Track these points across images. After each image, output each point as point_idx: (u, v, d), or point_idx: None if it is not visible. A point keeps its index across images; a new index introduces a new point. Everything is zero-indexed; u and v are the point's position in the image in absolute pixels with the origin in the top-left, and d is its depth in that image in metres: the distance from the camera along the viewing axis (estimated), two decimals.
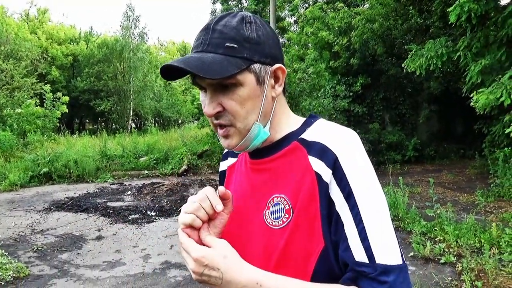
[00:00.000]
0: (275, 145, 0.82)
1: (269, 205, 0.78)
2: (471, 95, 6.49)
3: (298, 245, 0.73)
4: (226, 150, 1.03)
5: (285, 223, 0.75)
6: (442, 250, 4.36)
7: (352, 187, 0.70)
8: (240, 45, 0.73)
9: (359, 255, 0.69)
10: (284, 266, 0.74)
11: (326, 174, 0.72)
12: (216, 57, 0.71)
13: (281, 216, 0.76)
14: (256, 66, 0.74)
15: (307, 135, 0.79)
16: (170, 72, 0.74)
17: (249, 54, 0.73)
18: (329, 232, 0.72)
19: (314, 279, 0.72)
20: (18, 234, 5.49)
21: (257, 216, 0.80)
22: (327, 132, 0.78)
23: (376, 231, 0.69)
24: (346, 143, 0.74)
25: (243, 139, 0.78)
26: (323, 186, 0.72)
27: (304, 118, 0.86)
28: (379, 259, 0.68)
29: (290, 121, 0.84)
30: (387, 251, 0.69)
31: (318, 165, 0.74)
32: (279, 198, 0.77)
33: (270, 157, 0.81)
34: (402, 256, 0.70)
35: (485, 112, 6.52)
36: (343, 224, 0.71)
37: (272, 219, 0.77)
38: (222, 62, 0.71)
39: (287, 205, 0.76)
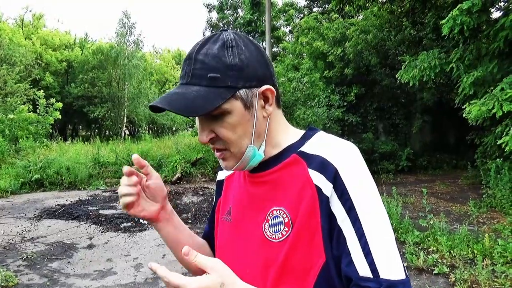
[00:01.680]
0: (274, 159, 0.82)
1: (269, 218, 0.78)
2: (464, 106, 6.57)
3: (298, 258, 0.73)
4: None
5: (285, 236, 0.74)
6: (435, 260, 4.36)
7: (353, 201, 0.70)
8: (223, 74, 0.72)
9: (363, 270, 0.68)
10: (283, 280, 0.74)
11: (327, 187, 0.72)
12: (200, 90, 0.71)
13: (280, 229, 0.75)
14: (242, 92, 0.74)
15: (307, 148, 0.79)
16: (159, 108, 0.73)
17: (233, 82, 0.73)
18: (330, 246, 0.72)
19: None
20: (8, 242, 5.40)
21: (256, 229, 0.80)
22: (327, 145, 0.77)
23: (379, 246, 0.69)
24: (347, 157, 0.74)
25: (239, 161, 0.78)
26: (324, 200, 0.72)
27: (304, 131, 0.86)
28: (383, 274, 0.67)
29: (288, 134, 0.84)
30: (391, 266, 0.68)
31: (319, 179, 0.73)
32: (278, 211, 0.77)
33: (269, 171, 0.81)
34: (405, 270, 0.70)
35: (477, 123, 6.59)
36: (345, 239, 0.70)
37: (271, 232, 0.76)
38: (207, 95, 0.71)
39: (287, 218, 0.75)
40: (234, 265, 0.81)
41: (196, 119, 0.79)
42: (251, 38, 0.81)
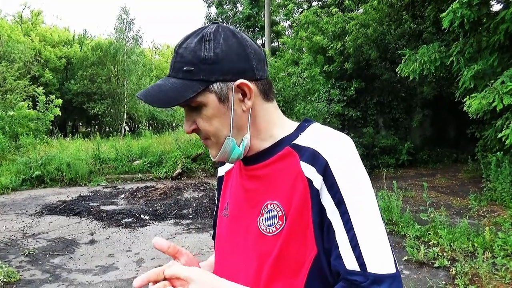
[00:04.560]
0: (267, 151, 0.81)
1: (263, 211, 0.78)
2: (464, 100, 6.55)
3: (291, 252, 0.72)
4: None
5: (278, 230, 0.74)
6: (436, 254, 4.38)
7: (342, 194, 0.70)
8: (197, 67, 0.73)
9: (351, 264, 0.68)
10: (277, 273, 0.74)
11: (317, 180, 0.71)
12: (175, 83, 0.74)
13: (274, 223, 0.75)
14: (216, 86, 0.74)
15: (300, 140, 0.78)
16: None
17: (205, 76, 0.73)
18: (322, 239, 0.71)
19: (308, 286, 0.72)
20: (9, 238, 5.42)
21: (251, 223, 0.80)
22: (320, 137, 0.76)
23: (368, 239, 0.68)
24: (338, 149, 0.73)
25: (220, 151, 0.80)
26: (314, 193, 0.71)
27: (297, 123, 0.85)
28: (371, 268, 0.67)
29: (283, 127, 0.83)
30: (379, 260, 0.67)
31: (310, 171, 0.72)
32: (272, 205, 0.76)
33: (263, 163, 0.81)
34: (395, 264, 0.69)
35: (478, 117, 6.58)
36: (334, 232, 0.70)
37: (265, 226, 0.76)
38: (180, 87, 0.73)
39: (280, 212, 0.75)
40: (231, 259, 0.83)
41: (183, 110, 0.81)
42: (238, 30, 0.80)
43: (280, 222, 0.74)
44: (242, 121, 0.78)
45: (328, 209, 0.70)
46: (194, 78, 0.73)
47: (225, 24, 0.80)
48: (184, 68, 0.74)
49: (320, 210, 0.71)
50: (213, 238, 1.07)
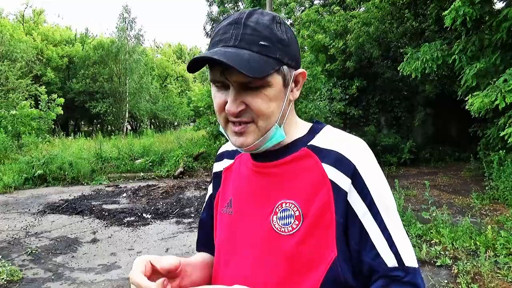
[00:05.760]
0: (282, 150, 0.81)
1: (277, 210, 0.77)
2: (466, 98, 6.54)
3: (308, 252, 0.72)
4: (221, 151, 1.00)
5: (295, 229, 0.74)
6: (438, 252, 4.37)
7: (373, 196, 0.73)
8: (273, 45, 0.71)
9: (391, 261, 0.71)
10: (294, 271, 0.73)
11: (345, 183, 0.73)
12: (252, 55, 0.69)
13: (290, 222, 0.75)
14: (285, 68, 0.74)
15: (317, 142, 0.79)
16: (199, 63, 0.72)
17: (281, 55, 0.72)
18: (343, 241, 0.73)
19: (324, 286, 0.72)
20: (12, 237, 5.44)
21: (263, 221, 0.78)
22: (340, 140, 0.78)
23: (400, 236, 0.73)
24: (363, 153, 0.77)
25: (260, 138, 0.76)
26: (341, 195, 0.73)
27: (310, 124, 0.85)
28: (407, 263, 0.72)
29: (297, 127, 0.83)
30: (411, 254, 0.73)
31: (334, 174, 0.74)
32: (288, 204, 0.76)
33: (276, 162, 0.80)
34: (415, 257, 0.75)
35: (480, 115, 6.57)
36: (367, 233, 0.72)
37: (280, 224, 0.76)
38: (259, 60, 0.69)
39: (298, 212, 0.75)
40: (239, 257, 0.81)
41: (215, 88, 0.76)
42: None
43: (297, 222, 0.74)
44: (285, 111, 0.78)
45: (359, 211, 0.72)
46: (270, 55, 0.71)
47: None
48: (260, 43, 0.70)
49: (346, 212, 0.72)
50: (198, 240, 1.03)
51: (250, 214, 0.81)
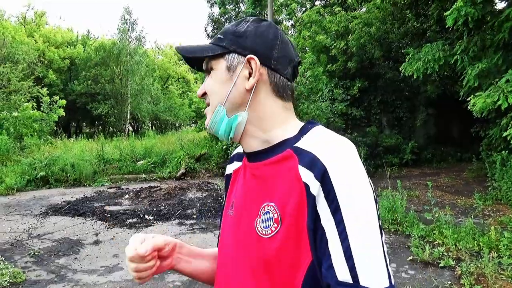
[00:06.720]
0: (270, 150, 0.81)
1: (261, 213, 0.77)
2: (468, 99, 6.52)
3: (286, 256, 0.71)
4: (233, 154, 1.02)
5: (273, 233, 0.73)
6: (441, 253, 4.36)
7: (340, 202, 0.66)
8: (225, 36, 0.83)
9: (343, 275, 0.64)
10: (272, 276, 0.73)
11: (314, 186, 0.69)
12: (206, 44, 0.84)
13: (270, 225, 0.74)
14: (231, 55, 0.81)
15: (302, 143, 0.76)
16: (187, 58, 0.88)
17: (227, 44, 0.81)
18: (315, 247, 0.69)
19: None
20: (15, 239, 5.45)
21: (249, 223, 0.79)
22: (320, 141, 0.74)
23: (363, 250, 0.65)
24: (338, 155, 0.70)
25: (211, 119, 0.85)
26: (311, 199, 0.69)
27: (303, 124, 0.84)
28: (364, 281, 0.63)
29: (287, 128, 0.82)
30: (373, 272, 0.64)
31: (307, 176, 0.70)
32: (269, 207, 0.75)
33: (263, 162, 0.80)
34: (389, 278, 0.65)
35: (482, 116, 6.55)
36: (327, 241, 0.67)
37: (262, 227, 0.75)
38: (205, 47, 0.83)
39: (276, 215, 0.73)
40: (231, 257, 0.84)
41: None
42: (279, 28, 0.86)
43: (276, 225, 0.73)
44: (242, 99, 0.81)
45: (323, 216, 0.68)
46: (219, 44, 0.83)
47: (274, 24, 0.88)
48: (217, 36, 0.84)
49: (315, 217, 0.68)
50: (218, 237, 1.07)
51: (244, 216, 0.82)
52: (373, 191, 0.71)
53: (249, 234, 0.78)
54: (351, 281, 0.64)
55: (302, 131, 0.80)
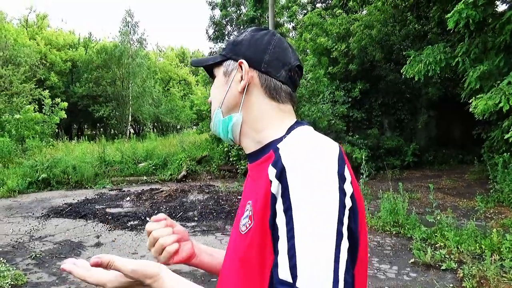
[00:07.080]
0: (260, 150, 0.83)
1: (245, 210, 0.80)
2: (470, 101, 6.52)
3: (255, 253, 0.71)
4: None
5: (247, 229, 0.74)
6: (443, 256, 4.35)
7: (291, 201, 0.65)
8: (227, 46, 0.90)
9: (284, 273, 0.63)
10: (245, 272, 0.73)
11: (275, 184, 0.69)
12: (213, 56, 0.92)
13: (246, 222, 0.76)
14: (227, 62, 0.88)
15: (281, 144, 0.77)
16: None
17: (226, 52, 0.89)
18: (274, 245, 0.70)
19: None
20: (16, 241, 5.45)
21: (238, 221, 0.82)
22: (294, 141, 0.75)
23: (308, 251, 0.62)
24: (300, 155, 0.69)
25: (212, 121, 0.93)
26: (273, 197, 0.69)
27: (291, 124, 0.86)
28: (301, 282, 0.61)
29: (278, 129, 0.82)
30: (314, 275, 0.61)
31: (272, 175, 0.71)
32: (248, 205, 0.78)
33: (255, 162, 0.83)
34: (335, 285, 0.62)
35: (484, 118, 6.55)
36: (277, 238, 0.67)
37: (242, 224, 0.78)
38: (210, 58, 0.91)
39: (251, 212, 0.75)
40: (226, 255, 0.88)
41: None
42: (286, 40, 0.91)
43: (250, 222, 0.74)
44: (235, 101, 0.86)
45: (278, 214, 0.67)
46: (221, 53, 0.90)
47: (278, 33, 0.93)
48: (222, 47, 0.99)
49: (274, 215, 0.68)
50: None
51: (238, 215, 0.85)
52: (344, 196, 0.67)
53: (236, 231, 0.82)
54: (290, 280, 0.62)
55: (287, 132, 0.81)
